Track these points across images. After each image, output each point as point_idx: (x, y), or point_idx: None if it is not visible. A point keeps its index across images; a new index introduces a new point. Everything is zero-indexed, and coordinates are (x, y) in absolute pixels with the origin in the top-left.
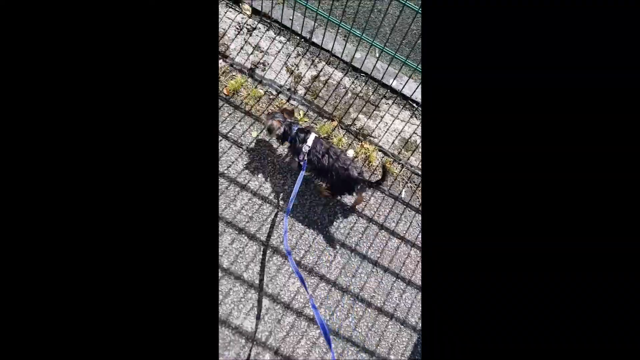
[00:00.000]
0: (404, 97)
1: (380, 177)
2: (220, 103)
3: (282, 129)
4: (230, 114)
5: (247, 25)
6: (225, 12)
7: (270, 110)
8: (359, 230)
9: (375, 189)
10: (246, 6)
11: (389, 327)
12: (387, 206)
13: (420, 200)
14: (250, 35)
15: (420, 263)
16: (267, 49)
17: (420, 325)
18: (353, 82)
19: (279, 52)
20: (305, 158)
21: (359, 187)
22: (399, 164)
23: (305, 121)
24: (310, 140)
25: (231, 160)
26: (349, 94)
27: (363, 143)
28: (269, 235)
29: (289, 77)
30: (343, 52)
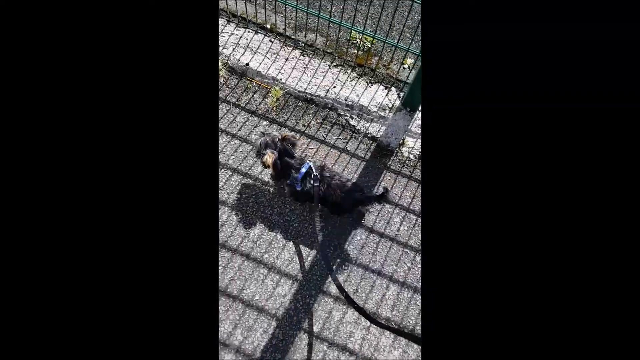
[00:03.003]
0: None
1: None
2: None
3: (278, 166)
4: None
5: None
6: None
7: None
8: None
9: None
10: None
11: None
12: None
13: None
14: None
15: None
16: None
17: None
18: None
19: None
20: (299, 185)
21: (364, 205)
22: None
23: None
24: (304, 168)
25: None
26: None
27: None
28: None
29: None
30: None
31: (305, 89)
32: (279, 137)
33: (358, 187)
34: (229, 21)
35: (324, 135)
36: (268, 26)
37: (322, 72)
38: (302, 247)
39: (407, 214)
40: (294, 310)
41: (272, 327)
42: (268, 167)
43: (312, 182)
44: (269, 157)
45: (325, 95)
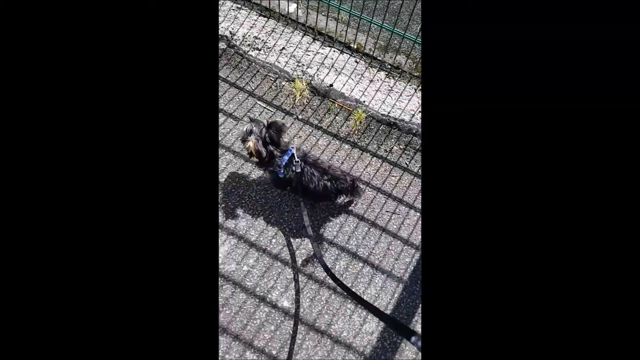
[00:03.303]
0: None
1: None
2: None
3: (263, 153)
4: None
5: None
6: None
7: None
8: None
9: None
10: None
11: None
12: None
13: None
14: None
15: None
16: None
17: None
18: None
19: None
20: (282, 170)
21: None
22: None
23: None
24: (287, 155)
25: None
26: None
27: None
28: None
29: None
30: None
31: (389, 113)
32: (265, 123)
33: (337, 175)
34: (314, 39)
35: (407, 162)
36: (354, 46)
37: (407, 96)
38: (389, 283)
39: None
40: (381, 349)
41: None
42: (251, 154)
43: (293, 168)
44: (253, 143)
45: (410, 120)
